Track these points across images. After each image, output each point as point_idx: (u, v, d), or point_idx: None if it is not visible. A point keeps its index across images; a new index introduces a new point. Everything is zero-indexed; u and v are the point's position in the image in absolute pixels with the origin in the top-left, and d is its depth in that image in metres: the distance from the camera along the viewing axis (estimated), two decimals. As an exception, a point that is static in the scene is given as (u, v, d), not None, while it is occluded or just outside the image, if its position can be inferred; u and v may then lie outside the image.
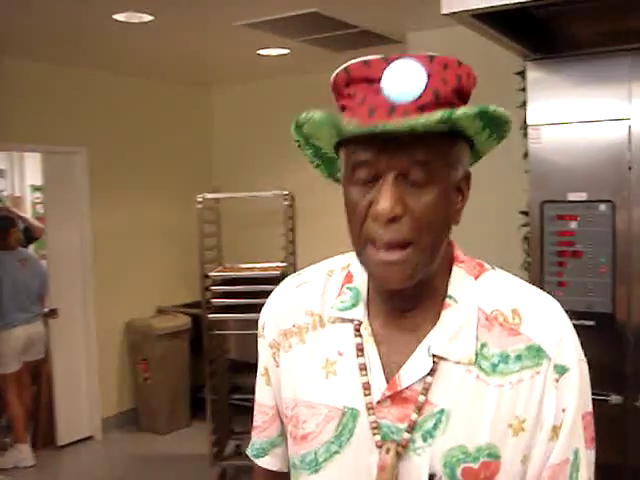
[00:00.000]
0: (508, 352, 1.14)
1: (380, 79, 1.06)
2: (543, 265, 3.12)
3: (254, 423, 1.41)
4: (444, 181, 1.09)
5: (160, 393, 6.37)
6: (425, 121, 1.00)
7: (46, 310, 6.07)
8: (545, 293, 1.23)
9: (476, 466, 1.11)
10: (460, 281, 1.19)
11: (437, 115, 1.00)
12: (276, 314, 1.33)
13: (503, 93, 3.97)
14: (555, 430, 1.12)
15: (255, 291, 4.55)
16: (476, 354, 1.14)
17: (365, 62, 1.09)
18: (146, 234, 6.66)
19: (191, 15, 4.53)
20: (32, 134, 5.76)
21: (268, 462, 1.40)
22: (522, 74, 3.45)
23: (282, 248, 5.06)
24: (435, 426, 1.13)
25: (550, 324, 1.16)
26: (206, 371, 5.05)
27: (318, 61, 5.66)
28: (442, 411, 1.13)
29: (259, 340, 1.37)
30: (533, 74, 3.12)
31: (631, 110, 2.90)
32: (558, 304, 1.21)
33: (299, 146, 1.21)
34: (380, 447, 1.14)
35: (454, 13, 2.47)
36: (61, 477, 5.77)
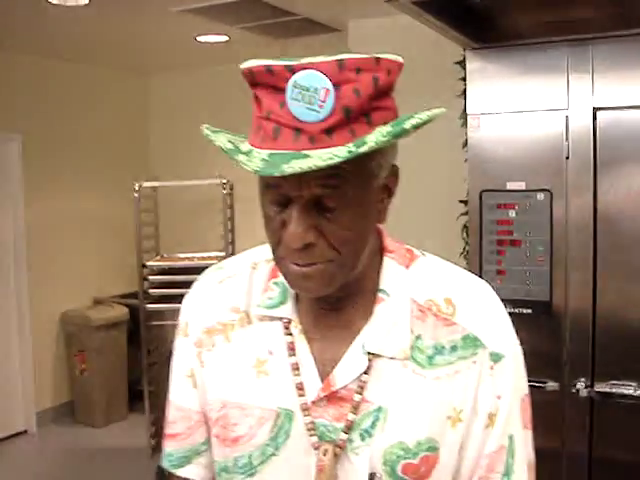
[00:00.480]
0: (443, 343, 1.12)
1: (284, 90, 0.97)
2: (482, 253, 3.13)
3: (171, 430, 1.29)
4: (361, 198, 1.03)
5: (97, 385, 6.25)
6: (329, 162, 0.93)
7: (-22, 301, 5.92)
8: (477, 277, 1.23)
9: (416, 461, 1.10)
10: (391, 273, 1.16)
11: (342, 153, 0.94)
12: (199, 311, 1.26)
13: (444, 82, 3.99)
14: (491, 417, 1.13)
15: (193, 281, 4.48)
16: (411, 348, 1.11)
17: (268, 69, 0.99)
18: (82, 223, 6.52)
19: (128, -1, 4.43)
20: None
21: (191, 472, 1.28)
22: (462, 63, 3.46)
23: (221, 237, 5.02)
24: (373, 424, 1.11)
25: (484, 312, 1.16)
26: (144, 362, 4.98)
27: (257, 48, 5.59)
28: (379, 409, 1.11)
29: (180, 339, 1.28)
30: (473, 63, 3.12)
31: (569, 101, 2.92)
32: (490, 289, 1.20)
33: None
34: (317, 448, 1.12)
35: (396, 0, 2.45)
36: (-5, 473, 5.64)
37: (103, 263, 6.72)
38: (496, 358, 1.13)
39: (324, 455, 1.10)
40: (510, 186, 3.06)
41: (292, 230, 1.00)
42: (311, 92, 0.95)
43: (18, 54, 5.94)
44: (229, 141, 1.03)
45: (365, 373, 1.11)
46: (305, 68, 0.97)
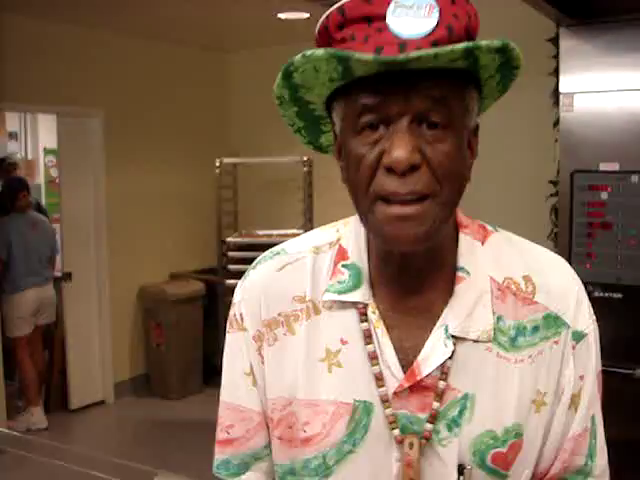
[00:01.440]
0: (524, 324, 1.06)
1: (383, 16, 0.92)
2: (572, 236, 3.07)
3: (226, 435, 1.18)
4: (461, 127, 0.98)
5: (173, 359, 6.36)
6: (452, 49, 0.88)
7: (59, 274, 6.06)
8: (553, 253, 1.16)
9: (505, 449, 1.04)
10: (469, 249, 1.09)
11: (462, 44, 0.89)
12: (256, 303, 1.14)
13: (533, 60, 3.91)
14: (574, 399, 1.08)
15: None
16: (494, 329, 1.05)
17: None
18: (161, 199, 6.60)
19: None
20: (47, 95, 5.70)
21: (252, 476, 1.18)
22: (554, 41, 3.39)
23: (300, 214, 5.03)
24: (460, 414, 1.04)
25: (565, 290, 1.09)
26: (221, 337, 5.03)
27: (338, 26, 5.56)
28: (466, 396, 1.04)
29: (235, 334, 1.16)
30: (567, 41, 3.04)
31: (667, 79, 2.84)
32: (568, 264, 1.14)
33: (280, 104, 1.05)
34: (400, 442, 1.03)
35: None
36: (73, 441, 5.76)
37: (180, 238, 6.79)
38: (578, 337, 1.07)
39: (410, 448, 1.03)
40: (603, 167, 2.99)
41: (397, 149, 0.92)
42: (415, 9, 0.92)
43: (100, 31, 6.02)
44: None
45: (449, 358, 1.03)
46: None
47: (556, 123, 3.18)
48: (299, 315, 1.11)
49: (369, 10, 0.94)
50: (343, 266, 1.10)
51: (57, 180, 7.26)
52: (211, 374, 6.36)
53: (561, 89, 3.07)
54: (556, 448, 1.09)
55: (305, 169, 4.97)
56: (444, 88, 0.93)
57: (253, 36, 6.41)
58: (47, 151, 8.18)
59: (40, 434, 5.60)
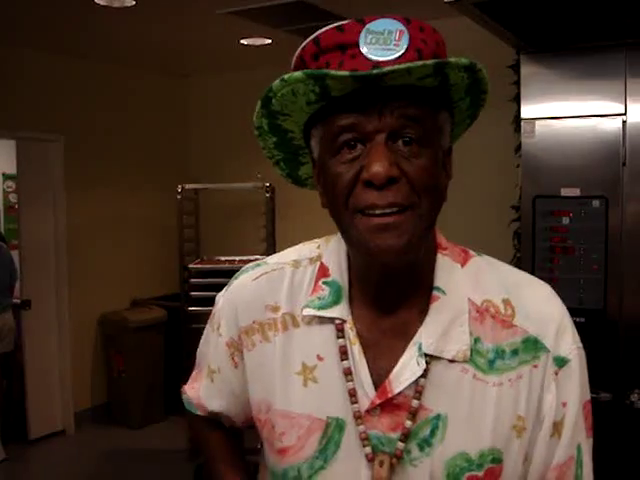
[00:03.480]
0: (503, 347, 1.06)
1: (356, 43, 0.97)
2: (534, 261, 3.09)
3: (194, 387, 1.34)
4: (436, 144, 1.01)
5: (134, 387, 6.27)
6: (423, 64, 0.93)
7: (18, 301, 5.95)
8: (536, 278, 1.17)
9: (481, 474, 1.03)
10: (446, 270, 1.10)
11: (433, 60, 0.94)
12: (233, 310, 1.19)
13: (494, 86, 3.95)
14: (556, 426, 1.07)
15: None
16: (471, 350, 1.05)
17: (338, 28, 0.99)
18: (121, 225, 6.54)
19: (175, 0, 4.43)
20: (6, 120, 5.62)
21: (218, 405, 1.30)
22: (514, 67, 3.42)
23: (262, 240, 5.00)
24: (432, 433, 1.03)
25: (545, 314, 1.09)
26: (185, 365, 4.96)
27: (301, 52, 5.58)
28: (438, 416, 1.04)
29: (212, 336, 1.24)
30: (527, 67, 3.08)
31: (626, 106, 2.88)
32: (551, 288, 1.15)
33: (259, 135, 1.09)
34: (371, 460, 1.04)
35: (457, 1, 2.42)
36: (33, 472, 5.65)
37: (142, 265, 6.73)
38: (561, 363, 1.07)
39: (380, 466, 1.03)
40: (565, 192, 3.01)
41: (375, 164, 0.95)
42: (385, 35, 0.96)
43: (61, 56, 5.98)
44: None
45: (422, 377, 1.03)
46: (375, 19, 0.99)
47: (518, 149, 3.21)
48: (272, 325, 1.14)
49: (342, 38, 0.98)
50: (324, 283, 1.12)
51: (16, 206, 7.16)
52: (173, 402, 6.28)
53: (522, 115, 3.10)
54: (539, 478, 1.07)
55: (267, 195, 4.96)
56: (417, 107, 0.97)
57: (215, 61, 6.41)
58: (6, 176, 8.07)
59: (-2, 466, 5.49)
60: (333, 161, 1.01)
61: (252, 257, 4.98)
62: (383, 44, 0.96)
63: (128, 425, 6.28)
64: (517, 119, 3.19)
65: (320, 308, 1.10)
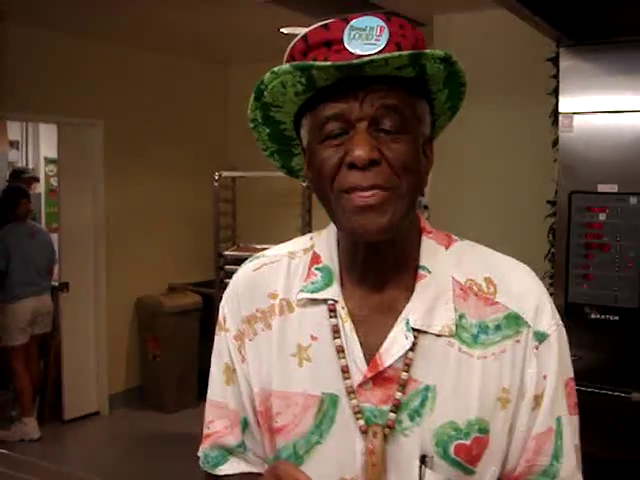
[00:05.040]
0: (487, 322, 1.12)
1: (340, 39, 1.05)
2: (569, 257, 3.06)
3: (208, 429, 1.27)
4: (414, 132, 1.09)
5: (168, 371, 6.33)
6: (399, 55, 1.00)
7: (57, 284, 6.04)
8: (517, 260, 1.21)
9: (468, 442, 1.09)
10: (431, 252, 1.17)
11: (409, 51, 1.01)
12: (236, 301, 1.24)
13: (533, 79, 3.91)
14: (537, 399, 1.12)
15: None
16: (456, 325, 1.11)
17: (324, 26, 1.08)
18: (160, 211, 6.60)
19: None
20: (49, 105, 5.71)
21: (230, 467, 1.25)
22: (554, 60, 3.38)
23: (297, 229, 5.01)
24: (422, 404, 1.09)
25: (525, 291, 1.15)
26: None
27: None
28: (427, 388, 1.09)
29: (219, 335, 1.26)
30: (567, 61, 3.04)
31: (666, 101, 2.83)
32: (530, 270, 1.20)
33: (254, 127, 1.17)
34: (365, 432, 1.09)
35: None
36: (66, 451, 5.75)
37: (179, 251, 6.78)
38: (541, 338, 1.12)
39: (374, 437, 1.08)
40: (601, 188, 2.98)
41: (357, 148, 1.03)
42: (367, 31, 1.05)
43: (102, 42, 6.03)
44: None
45: (411, 350, 1.09)
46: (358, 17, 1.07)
47: (555, 143, 3.17)
48: (274, 310, 1.20)
49: (328, 35, 1.07)
50: (316, 269, 1.19)
51: (57, 189, 7.26)
52: (206, 387, 6.33)
53: (560, 109, 3.06)
54: (520, 448, 1.12)
55: (303, 184, 4.95)
56: (396, 97, 1.06)
57: (255, 50, 6.42)
58: (48, 160, 8.18)
59: (33, 445, 5.58)
60: (320, 147, 1.08)
61: (287, 245, 5.00)
62: (365, 39, 1.04)
63: (161, 409, 6.35)
64: (555, 113, 3.15)
65: (313, 291, 1.16)
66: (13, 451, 5.23)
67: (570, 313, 2.92)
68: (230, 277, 4.22)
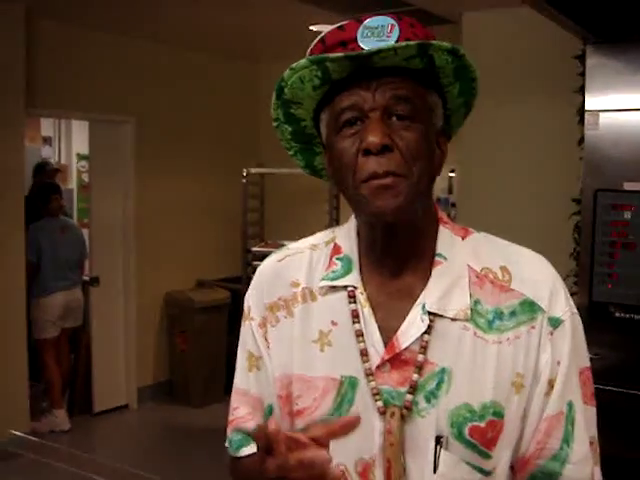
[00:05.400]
0: (502, 309, 1.14)
1: (355, 38, 1.11)
2: (593, 255, 3.05)
3: (233, 415, 1.30)
4: (425, 122, 1.13)
5: (196, 366, 6.38)
6: (406, 44, 1.06)
7: (87, 278, 6.11)
8: (532, 251, 1.23)
9: (483, 424, 1.11)
10: (448, 241, 1.20)
11: (414, 42, 1.06)
12: (260, 290, 1.28)
13: (560, 77, 3.89)
14: (551, 383, 1.13)
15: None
16: (471, 310, 1.14)
17: (340, 27, 1.14)
18: (189, 207, 6.65)
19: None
20: (81, 102, 5.78)
21: (254, 448, 1.21)
22: (581, 58, 3.37)
23: (325, 227, 5.02)
24: (438, 386, 1.12)
25: (540, 278, 1.18)
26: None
27: (369, 39, 5.56)
28: (443, 370, 1.12)
29: (244, 325, 1.30)
30: (593, 58, 3.04)
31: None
32: (545, 259, 1.22)
33: (277, 126, 1.23)
34: (383, 413, 1.12)
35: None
36: (96, 443, 5.83)
37: (207, 247, 6.82)
38: (555, 323, 1.14)
39: (391, 417, 1.11)
40: (627, 187, 2.97)
41: (371, 134, 1.08)
42: (379, 29, 1.11)
43: (133, 39, 6.09)
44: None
45: (427, 334, 1.12)
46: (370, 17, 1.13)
47: (581, 141, 3.16)
48: (297, 298, 1.24)
49: (343, 36, 1.13)
50: (337, 259, 1.23)
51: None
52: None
53: (587, 107, 3.06)
54: (533, 431, 1.14)
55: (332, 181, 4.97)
56: (407, 88, 1.11)
57: (284, 47, 6.43)
58: (80, 156, 8.27)
59: (62, 436, 5.66)
60: (338, 138, 1.14)
61: (314, 242, 5.01)
62: (377, 36, 1.10)
63: (189, 403, 6.40)
64: (581, 110, 3.14)
65: (333, 279, 1.21)
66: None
67: (594, 312, 2.91)
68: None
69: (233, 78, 7.09)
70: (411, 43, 1.06)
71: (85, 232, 6.34)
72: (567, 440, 1.13)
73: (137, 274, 6.33)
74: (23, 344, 5.37)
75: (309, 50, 1.17)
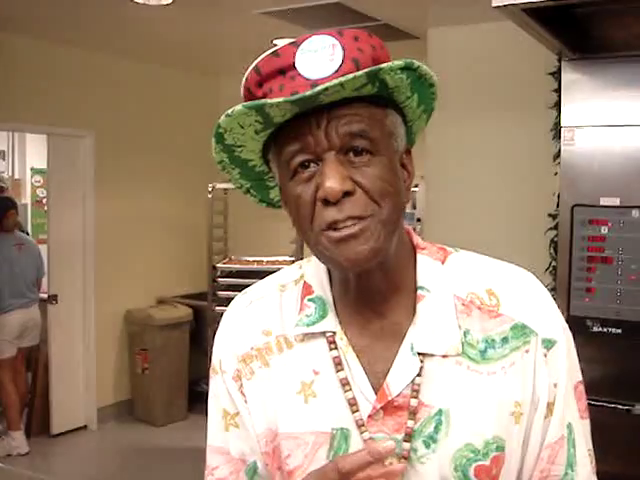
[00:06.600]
0: (493, 336, 1.08)
1: (293, 65, 1.00)
2: (571, 270, 3.06)
3: (212, 476, 1.21)
4: (387, 151, 1.03)
5: (158, 384, 6.27)
6: (354, 76, 0.94)
7: (45, 296, 5.98)
8: (516, 266, 1.18)
9: (487, 462, 1.05)
10: (427, 269, 1.12)
11: (364, 70, 0.95)
12: (231, 341, 1.19)
13: (533, 93, 3.93)
14: (549, 407, 1.09)
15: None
16: (462, 343, 1.07)
17: (273, 53, 1.02)
18: (149, 222, 6.56)
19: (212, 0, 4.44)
20: (38, 115, 5.66)
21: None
22: (555, 74, 3.40)
23: (291, 242, 4.98)
24: (436, 429, 1.05)
25: (529, 298, 1.12)
26: (208, 364, 4.95)
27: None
28: (440, 412, 1.06)
29: (214, 379, 1.20)
30: (569, 74, 3.05)
31: (669, 116, 2.85)
32: (532, 276, 1.16)
33: (223, 169, 1.12)
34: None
35: (505, 6, 2.39)
36: (54, 466, 5.68)
37: (168, 263, 6.75)
38: (549, 344, 1.09)
39: None
40: (604, 202, 2.98)
41: (328, 180, 0.98)
42: (319, 51, 0.99)
43: (92, 52, 6.00)
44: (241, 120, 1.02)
45: (418, 375, 1.06)
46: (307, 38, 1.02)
47: (557, 156, 3.18)
48: (271, 348, 1.15)
49: (279, 63, 1.01)
50: (309, 300, 1.14)
51: (44, 200, 7.19)
52: (196, 401, 6.30)
53: (563, 122, 3.07)
54: (535, 459, 1.09)
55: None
56: (362, 120, 1.00)
57: (246, 61, 6.36)
58: (34, 171, 8.13)
59: (21, 459, 5.51)
60: (291, 183, 1.03)
61: (281, 258, 4.97)
62: (318, 61, 0.99)
63: (150, 422, 6.29)
64: (557, 126, 3.16)
65: (309, 325, 1.12)
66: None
67: (572, 326, 2.89)
68: (221, 289, 4.18)
69: (195, 92, 7.02)
70: (359, 73, 0.94)
71: (41, 248, 6.21)
72: (570, 464, 1.10)
73: (96, 291, 6.21)
74: (-21, 365, 5.21)
75: (244, 81, 1.07)
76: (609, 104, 2.97)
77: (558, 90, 3.16)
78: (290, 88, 0.99)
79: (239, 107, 0.99)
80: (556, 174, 3.17)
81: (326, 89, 0.94)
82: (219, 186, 5.18)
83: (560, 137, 3.10)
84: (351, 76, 0.94)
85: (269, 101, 0.96)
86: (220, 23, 5.06)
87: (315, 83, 0.97)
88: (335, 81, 0.93)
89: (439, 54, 4.66)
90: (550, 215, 3.59)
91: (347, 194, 0.98)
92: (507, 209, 4.36)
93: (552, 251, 3.51)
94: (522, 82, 4.24)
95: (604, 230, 2.99)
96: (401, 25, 4.90)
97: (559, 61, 3.13)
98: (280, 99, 0.95)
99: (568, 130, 3.06)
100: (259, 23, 4.90)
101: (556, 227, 3.25)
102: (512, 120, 4.32)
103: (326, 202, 0.99)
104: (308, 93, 0.94)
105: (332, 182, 0.97)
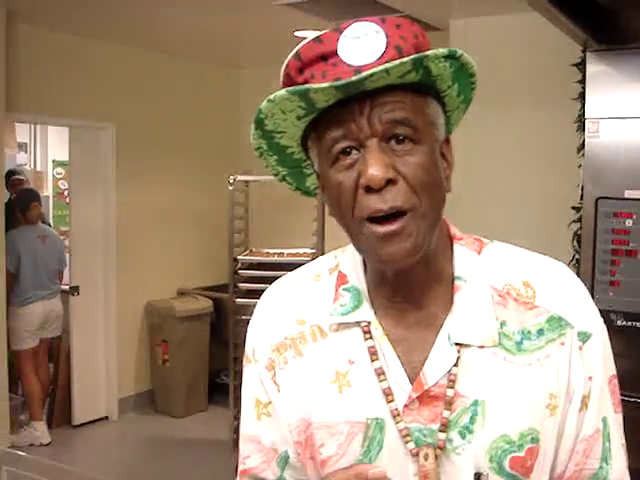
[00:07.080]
0: (529, 328, 1.08)
1: (336, 51, 1.00)
2: (595, 263, 3.04)
3: (244, 465, 1.22)
4: (429, 140, 1.03)
5: (178, 376, 6.29)
6: (400, 62, 0.94)
7: (67, 287, 6.01)
8: (552, 259, 1.17)
9: (522, 454, 1.04)
10: (464, 259, 1.12)
11: (409, 57, 0.95)
12: (264, 330, 1.19)
13: (556, 84, 3.89)
14: (584, 400, 1.08)
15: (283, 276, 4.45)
16: (499, 334, 1.06)
17: (316, 39, 1.02)
18: (170, 214, 6.57)
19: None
20: (60, 107, 5.68)
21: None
22: (579, 66, 3.37)
23: (312, 234, 4.96)
24: (472, 420, 1.04)
25: (565, 291, 1.11)
26: (230, 356, 4.96)
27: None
28: (476, 402, 1.05)
29: (248, 368, 1.21)
30: (594, 66, 3.03)
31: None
32: (568, 268, 1.16)
33: (261, 155, 1.12)
34: (416, 455, 1.04)
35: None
36: (76, 456, 5.70)
37: (189, 255, 6.76)
38: (584, 337, 1.08)
39: (425, 460, 1.04)
40: (628, 194, 2.96)
41: (371, 168, 0.97)
42: (362, 38, 0.99)
43: (114, 45, 6.01)
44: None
45: (455, 365, 1.05)
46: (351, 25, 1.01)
47: (580, 148, 3.15)
48: (305, 338, 1.15)
49: (322, 49, 1.01)
50: (344, 289, 1.14)
51: (65, 192, 7.21)
52: (216, 392, 6.36)
53: (587, 114, 3.04)
54: (570, 452, 1.09)
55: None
56: (405, 107, 1.00)
57: (268, 52, 6.40)
58: (56, 163, 8.17)
59: (43, 449, 5.55)
60: (332, 170, 1.03)
61: (301, 250, 4.95)
62: (361, 48, 0.99)
63: (171, 413, 6.32)
64: (581, 118, 3.13)
65: (344, 314, 1.12)
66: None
67: (596, 320, 2.89)
68: (242, 281, 4.14)
69: (216, 84, 7.03)
70: (405, 60, 0.94)
71: (63, 240, 6.24)
72: (605, 458, 1.09)
73: (118, 283, 6.24)
74: (1, 356, 5.24)
75: (283, 67, 1.06)
76: (634, 96, 2.95)
77: (582, 81, 3.14)
78: (333, 74, 0.98)
79: (282, 92, 0.98)
80: (580, 166, 3.14)
81: (371, 75, 0.93)
82: (240, 178, 5.16)
83: (584, 129, 3.08)
84: (397, 62, 0.94)
85: (314, 86, 0.96)
86: (241, 15, 5.06)
87: (358, 70, 0.97)
88: (381, 67, 0.93)
89: (461, 46, 4.59)
90: (574, 208, 3.56)
91: (390, 182, 0.98)
92: (530, 201, 4.33)
93: (575, 244, 3.48)
94: (545, 74, 4.20)
95: (628, 223, 2.97)
96: (423, 16, 4.87)
97: (584, 52, 3.10)
98: (325, 84, 0.95)
99: (592, 122, 3.03)
100: (279, 15, 4.89)
101: (580, 220, 3.23)
102: (535, 112, 4.28)
103: (368, 189, 0.98)
104: (355, 78, 0.94)
105: (375, 169, 0.97)
